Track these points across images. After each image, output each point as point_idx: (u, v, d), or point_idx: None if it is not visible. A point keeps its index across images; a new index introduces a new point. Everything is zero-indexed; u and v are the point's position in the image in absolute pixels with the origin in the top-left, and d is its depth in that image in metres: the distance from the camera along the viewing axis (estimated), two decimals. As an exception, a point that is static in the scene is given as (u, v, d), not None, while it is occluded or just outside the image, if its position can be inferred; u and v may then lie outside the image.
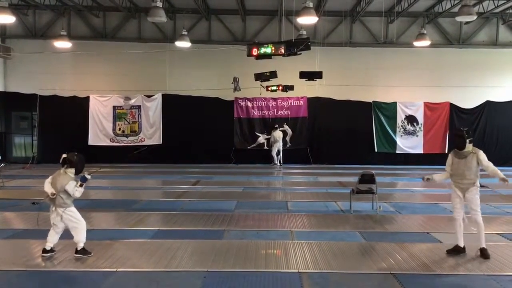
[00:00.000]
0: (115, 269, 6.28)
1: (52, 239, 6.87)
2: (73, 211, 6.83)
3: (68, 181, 6.69)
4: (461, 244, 7.07)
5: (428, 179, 7.14)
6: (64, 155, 6.84)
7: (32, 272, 6.23)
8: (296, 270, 6.33)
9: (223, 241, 7.88)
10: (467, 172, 6.84)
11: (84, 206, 10.94)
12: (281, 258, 6.93)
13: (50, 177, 6.88)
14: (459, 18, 15.85)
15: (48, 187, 6.76)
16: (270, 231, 8.63)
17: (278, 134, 20.65)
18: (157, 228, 8.82)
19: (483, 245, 6.94)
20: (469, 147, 6.86)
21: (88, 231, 8.41)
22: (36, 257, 6.82)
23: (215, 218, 9.59)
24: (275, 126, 20.81)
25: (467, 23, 20.47)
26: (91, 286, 5.73)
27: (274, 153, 20.70)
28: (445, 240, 7.98)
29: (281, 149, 20.80)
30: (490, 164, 6.90)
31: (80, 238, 6.78)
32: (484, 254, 6.88)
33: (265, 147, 21.42)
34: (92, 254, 6.78)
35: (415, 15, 20.77)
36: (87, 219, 9.52)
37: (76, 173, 6.81)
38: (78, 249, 6.77)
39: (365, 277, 6.15)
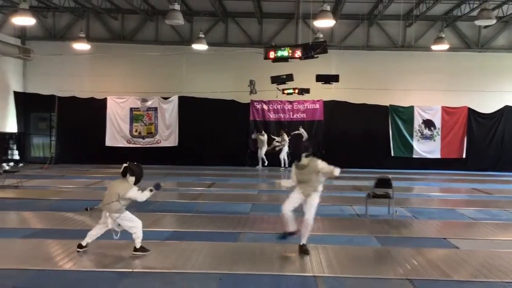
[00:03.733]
0: (131, 270, 6.32)
1: (92, 236, 6.99)
2: (127, 214, 6.94)
3: (130, 188, 6.80)
4: (290, 230, 7.32)
5: (276, 183, 7.78)
6: (125, 165, 6.97)
7: (49, 271, 6.28)
8: (312, 274, 6.30)
9: (238, 244, 7.89)
10: (309, 181, 7.26)
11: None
12: (296, 261, 6.91)
13: (109, 185, 7.06)
14: (478, 22, 15.70)
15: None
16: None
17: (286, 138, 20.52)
18: (173, 230, 8.85)
19: (304, 242, 7.23)
20: (305, 160, 7.27)
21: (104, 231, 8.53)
22: (54, 256, 6.89)
23: (230, 220, 9.60)
24: (286, 129, 20.67)
25: (486, 27, 20.23)
26: (107, 286, 5.76)
27: (284, 155, 20.48)
28: (463, 246, 7.88)
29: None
30: (325, 166, 7.24)
31: (139, 234, 6.88)
32: (303, 250, 7.18)
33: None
34: (150, 251, 6.90)
35: (433, 18, 20.63)
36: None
37: (136, 182, 6.92)
38: (137, 246, 6.86)
39: (381, 282, 6.10)
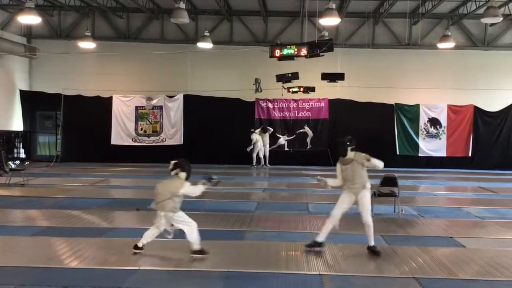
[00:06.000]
0: (137, 267, 6.33)
1: (148, 237, 6.87)
2: (182, 214, 6.84)
3: (183, 184, 6.70)
4: (320, 239, 7.27)
5: (321, 180, 7.46)
6: (175, 161, 6.87)
7: (55, 269, 6.30)
8: (317, 272, 6.30)
9: (244, 242, 7.89)
10: (355, 176, 7.14)
11: (107, 204, 11.11)
12: (302, 259, 6.91)
13: (160, 184, 6.86)
14: (484, 20, 15.62)
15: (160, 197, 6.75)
16: (291, 232, 8.61)
17: (257, 136, 20.26)
18: (179, 228, 8.85)
19: (372, 244, 7.16)
20: (351, 154, 7.15)
21: (111, 229, 8.58)
22: (61, 254, 6.92)
23: (236, 218, 9.60)
24: (252, 129, 20.47)
25: (492, 24, 20.10)
26: (113, 283, 5.77)
27: (255, 154, 20.39)
28: (469, 244, 7.86)
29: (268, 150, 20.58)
30: (372, 159, 7.09)
31: (194, 238, 6.75)
32: (373, 251, 7.11)
33: (286, 149, 21.38)
34: (209, 253, 6.75)
35: (439, 16, 20.54)
36: (109, 218, 9.72)
37: (187, 178, 6.81)
38: (194, 249, 6.75)
39: (387, 280, 6.10)
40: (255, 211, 10.61)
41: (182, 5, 15.28)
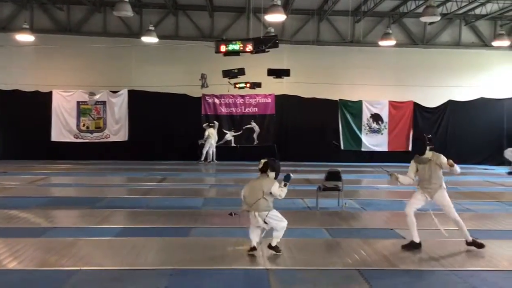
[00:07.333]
0: (78, 268, 6.14)
1: (256, 237, 6.87)
2: (276, 212, 6.80)
3: (273, 183, 6.68)
4: (416, 240, 7.24)
5: (392, 174, 7.29)
6: (265, 160, 6.83)
7: (-9, 271, 6.04)
8: (263, 267, 6.34)
9: (190, 239, 7.83)
10: (432, 177, 7.12)
11: (47, 203, 10.73)
12: (248, 255, 6.92)
13: (248, 185, 6.85)
14: (423, 19, 16.19)
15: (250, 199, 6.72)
16: (237, 228, 8.59)
17: (212, 131, 20.38)
18: (122, 226, 8.70)
19: (470, 239, 7.17)
20: (428, 153, 7.16)
21: (51, 229, 8.32)
22: (-4, 256, 6.62)
23: (182, 215, 9.52)
24: (210, 124, 20.56)
25: (431, 23, 20.91)
26: (53, 285, 5.58)
27: (205, 150, 20.42)
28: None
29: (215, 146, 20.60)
30: (455, 166, 7.06)
31: (279, 235, 6.77)
32: (476, 244, 7.10)
33: (232, 144, 21.39)
34: (281, 253, 6.77)
35: (381, 15, 21.09)
36: (50, 217, 9.41)
37: (275, 177, 6.81)
38: (273, 244, 6.76)
39: (331, 273, 6.21)
40: (202, 208, 10.55)
41: (126, -3, 14.92)
